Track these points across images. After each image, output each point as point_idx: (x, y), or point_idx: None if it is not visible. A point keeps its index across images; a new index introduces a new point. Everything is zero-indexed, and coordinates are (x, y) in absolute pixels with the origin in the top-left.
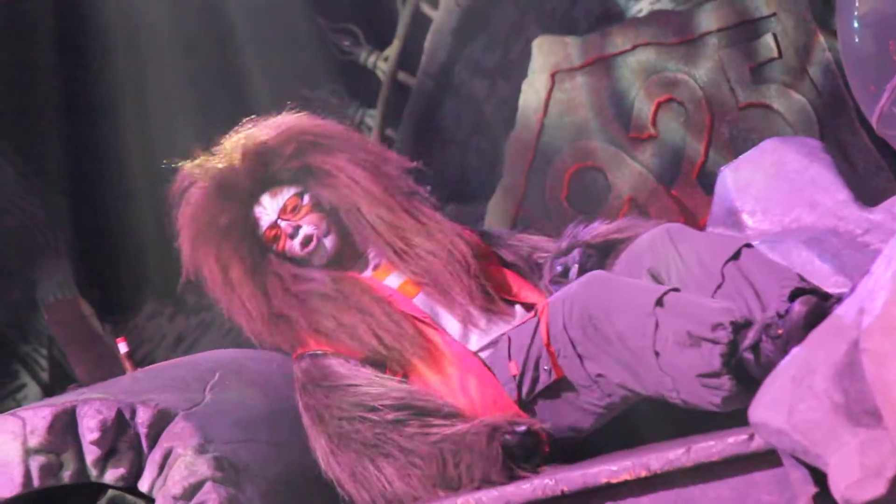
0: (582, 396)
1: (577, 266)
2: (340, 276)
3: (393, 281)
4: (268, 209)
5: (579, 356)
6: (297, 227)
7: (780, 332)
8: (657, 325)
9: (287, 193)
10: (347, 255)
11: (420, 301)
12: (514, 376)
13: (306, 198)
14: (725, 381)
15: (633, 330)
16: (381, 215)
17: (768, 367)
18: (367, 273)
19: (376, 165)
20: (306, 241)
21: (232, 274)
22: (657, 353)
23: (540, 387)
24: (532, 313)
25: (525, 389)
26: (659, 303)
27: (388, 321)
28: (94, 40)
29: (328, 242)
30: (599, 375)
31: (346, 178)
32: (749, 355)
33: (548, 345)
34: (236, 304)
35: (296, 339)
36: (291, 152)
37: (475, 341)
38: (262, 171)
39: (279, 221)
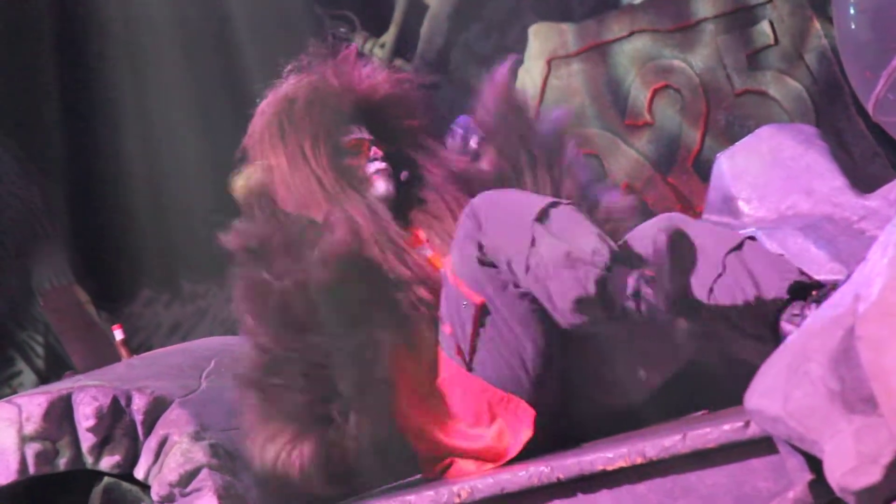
0: (513, 314)
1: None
2: (401, 232)
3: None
4: (364, 132)
5: (486, 275)
6: (381, 157)
7: (650, 273)
8: (533, 241)
9: (378, 140)
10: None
11: None
12: (451, 334)
13: (393, 155)
14: (597, 309)
15: (509, 243)
16: (460, 205)
17: (650, 311)
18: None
19: (462, 162)
20: (380, 168)
21: (319, 143)
22: (527, 268)
23: (470, 326)
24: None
25: (465, 342)
26: (540, 218)
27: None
28: (92, 29)
29: (392, 186)
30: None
31: (436, 159)
32: (631, 303)
33: (456, 281)
34: (302, 177)
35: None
36: (402, 114)
37: None
38: (374, 111)
39: (371, 143)
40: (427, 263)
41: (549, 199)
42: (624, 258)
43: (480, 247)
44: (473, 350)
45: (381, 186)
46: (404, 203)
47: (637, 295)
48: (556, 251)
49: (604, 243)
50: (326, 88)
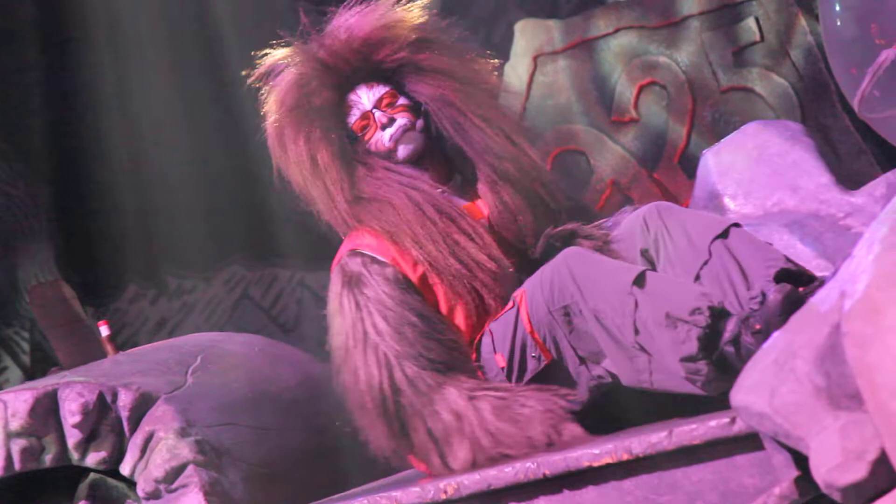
0: (571, 379)
1: None
2: (434, 187)
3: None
4: (363, 99)
5: (566, 338)
6: (392, 119)
7: (757, 326)
8: (636, 305)
9: (384, 88)
10: (433, 170)
11: None
12: (503, 368)
13: (402, 97)
14: (703, 366)
15: (612, 308)
16: (484, 115)
17: (749, 358)
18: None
19: (476, 71)
20: (398, 131)
21: (320, 157)
22: (637, 331)
23: (529, 375)
24: (511, 303)
25: (514, 379)
26: (637, 282)
27: (475, 249)
28: (75, 25)
29: (419, 138)
30: (583, 357)
31: (448, 77)
32: (730, 348)
33: (532, 332)
34: (319, 188)
35: (370, 223)
36: (396, 47)
37: None
38: (362, 60)
39: (374, 111)
40: (484, 235)
41: (642, 267)
42: (723, 310)
43: (568, 308)
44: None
45: (402, 150)
46: (439, 144)
47: (736, 342)
48: (656, 313)
49: (702, 300)
50: (310, 79)
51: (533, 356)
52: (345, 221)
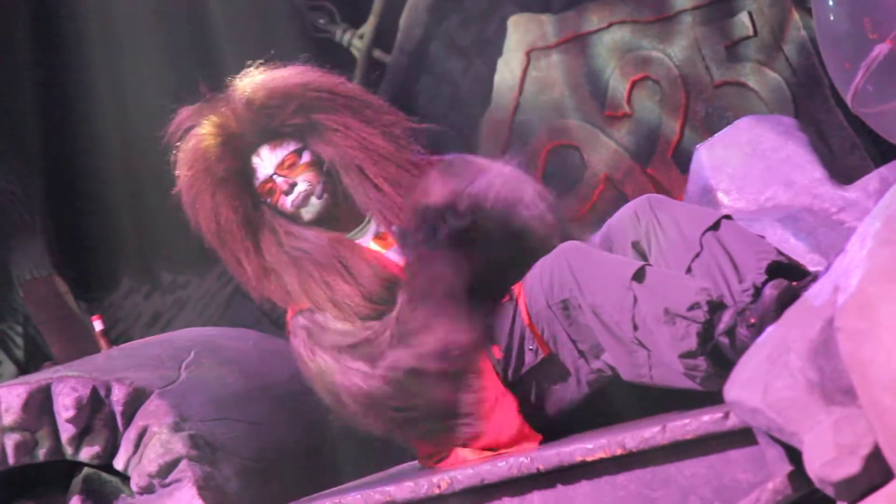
0: (569, 373)
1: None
2: (337, 238)
3: (396, 255)
4: (265, 162)
5: (565, 332)
6: (293, 185)
7: (753, 320)
8: (635, 300)
9: (287, 149)
10: (345, 218)
11: None
12: (499, 360)
13: (305, 154)
14: (701, 362)
15: (610, 303)
16: (388, 176)
17: (743, 351)
18: (367, 240)
19: (383, 124)
20: (299, 197)
21: (225, 224)
22: (636, 326)
23: (526, 367)
24: (507, 295)
25: (511, 371)
26: (636, 277)
27: (383, 293)
28: (67, 18)
29: (321, 202)
30: (583, 351)
31: (352, 135)
32: (725, 339)
33: (530, 324)
34: (228, 255)
35: (287, 296)
36: (296, 106)
37: None
38: (264, 122)
39: (275, 176)
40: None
41: (641, 263)
42: (720, 303)
43: (567, 302)
44: (517, 381)
45: (305, 215)
46: (344, 199)
47: (731, 333)
48: (655, 308)
49: (701, 294)
50: (213, 144)
51: (530, 349)
52: (252, 289)
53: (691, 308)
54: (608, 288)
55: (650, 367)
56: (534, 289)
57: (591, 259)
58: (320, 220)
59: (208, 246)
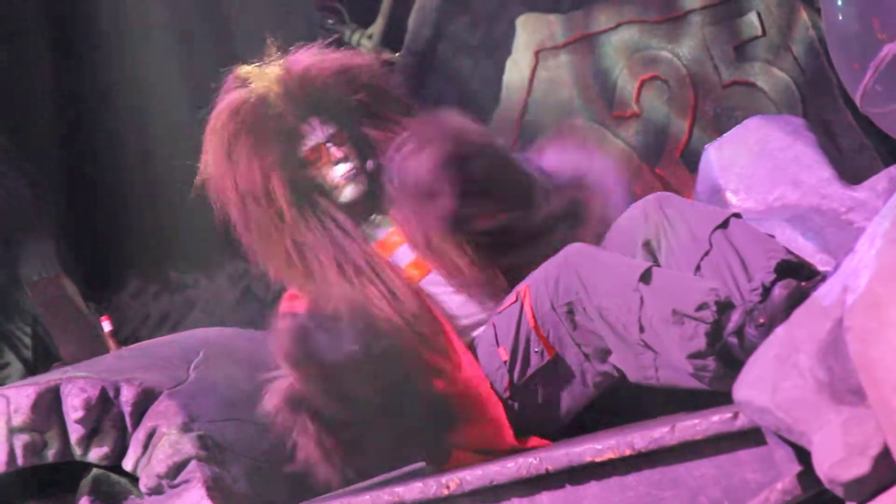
0: (575, 375)
1: None
2: (372, 250)
3: (403, 255)
4: (317, 131)
5: (570, 335)
6: (346, 157)
7: (762, 320)
8: (642, 301)
9: (336, 126)
10: (361, 209)
11: (429, 281)
12: (505, 362)
13: (351, 137)
14: (710, 362)
15: (618, 305)
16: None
17: (752, 351)
18: (380, 234)
19: (429, 126)
20: (350, 172)
21: (273, 184)
22: (642, 328)
23: (532, 370)
24: (514, 297)
25: (516, 374)
26: (643, 278)
27: (412, 304)
28: (82, 20)
29: (364, 182)
30: (588, 354)
31: (397, 132)
32: (734, 339)
33: (536, 327)
34: (263, 216)
35: (301, 281)
36: (356, 87)
37: (473, 319)
38: (319, 94)
39: (328, 145)
40: (401, 275)
41: (648, 264)
42: (729, 303)
43: (573, 304)
44: (523, 384)
45: (347, 192)
46: (377, 191)
47: (739, 333)
48: (663, 310)
49: (709, 294)
50: (268, 99)
51: (536, 351)
52: (275, 260)
53: (699, 308)
54: (614, 289)
55: (656, 369)
56: (539, 291)
57: (596, 261)
58: (352, 205)
59: (233, 208)
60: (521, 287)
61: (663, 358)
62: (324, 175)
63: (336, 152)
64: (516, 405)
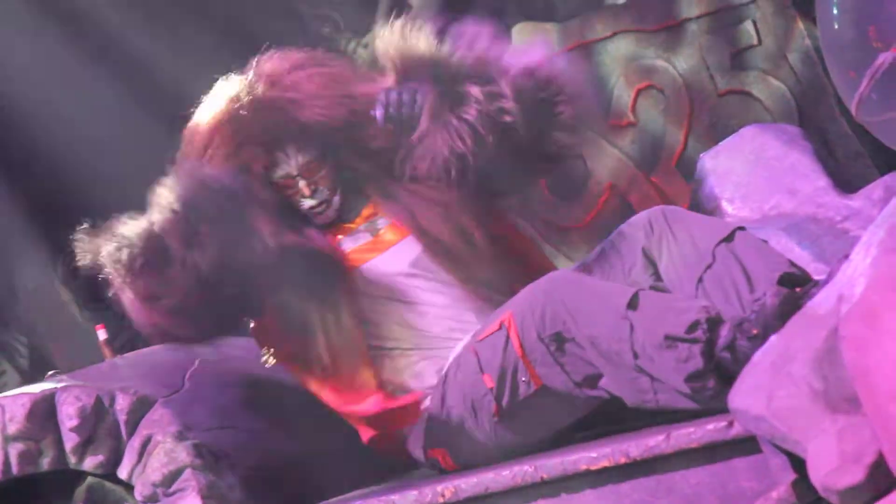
0: (564, 400)
1: None
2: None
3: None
4: (291, 160)
5: (559, 364)
6: (315, 189)
7: (754, 331)
8: (632, 328)
9: (310, 154)
10: (336, 220)
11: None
12: (491, 389)
13: (325, 168)
14: (709, 381)
15: (607, 333)
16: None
17: (746, 363)
18: (365, 237)
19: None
20: (321, 205)
21: (247, 178)
22: (636, 355)
23: (520, 398)
24: (497, 325)
25: (505, 401)
26: (630, 305)
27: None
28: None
29: (332, 213)
30: (578, 381)
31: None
32: (726, 354)
33: (524, 356)
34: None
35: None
36: (328, 108)
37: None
38: (299, 120)
39: (299, 178)
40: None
41: (634, 289)
42: (720, 318)
43: (561, 335)
44: (509, 412)
45: (318, 219)
46: (349, 203)
47: (731, 347)
48: (654, 335)
49: (699, 313)
50: (245, 121)
51: (523, 381)
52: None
53: (690, 329)
54: (603, 317)
55: (655, 393)
56: (525, 321)
57: (582, 289)
58: (328, 225)
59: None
60: (504, 315)
61: (660, 383)
62: (297, 202)
63: (304, 188)
64: (503, 427)
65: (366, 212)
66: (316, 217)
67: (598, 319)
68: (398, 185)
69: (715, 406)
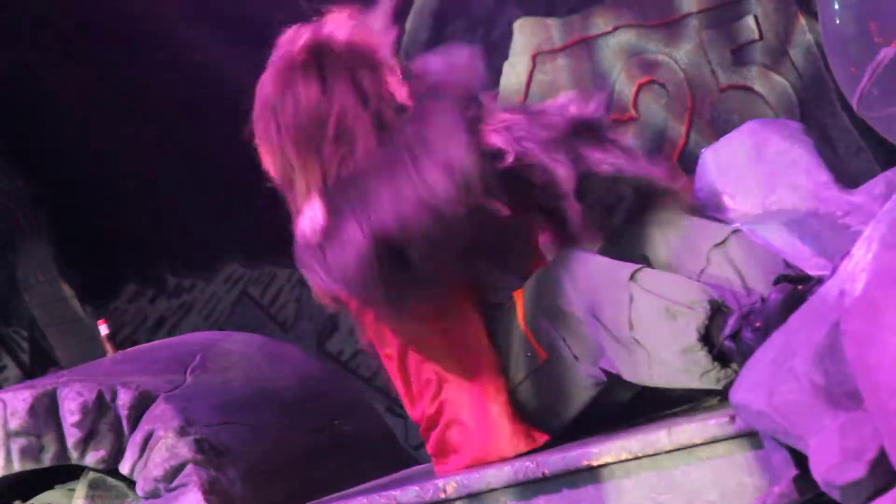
0: (568, 376)
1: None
2: None
3: None
4: None
5: (560, 337)
6: None
7: (758, 323)
8: (632, 298)
9: None
10: None
11: None
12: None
13: None
14: (701, 357)
15: (607, 303)
16: None
17: (749, 354)
18: None
19: None
20: None
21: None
22: (632, 325)
23: (524, 373)
24: (509, 302)
25: (509, 375)
26: (633, 278)
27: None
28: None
29: None
30: (578, 356)
31: None
32: (730, 343)
33: (526, 330)
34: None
35: None
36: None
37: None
38: None
39: None
40: None
41: (638, 265)
42: (722, 305)
43: (561, 306)
44: (517, 387)
45: None
46: None
47: (735, 337)
48: (654, 307)
49: (701, 293)
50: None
51: (528, 355)
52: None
53: (692, 304)
54: (604, 288)
55: (649, 366)
56: (530, 294)
57: (587, 263)
58: None
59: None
60: (515, 292)
61: (655, 356)
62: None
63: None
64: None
65: None
66: None
67: (600, 288)
68: None
69: (705, 385)
